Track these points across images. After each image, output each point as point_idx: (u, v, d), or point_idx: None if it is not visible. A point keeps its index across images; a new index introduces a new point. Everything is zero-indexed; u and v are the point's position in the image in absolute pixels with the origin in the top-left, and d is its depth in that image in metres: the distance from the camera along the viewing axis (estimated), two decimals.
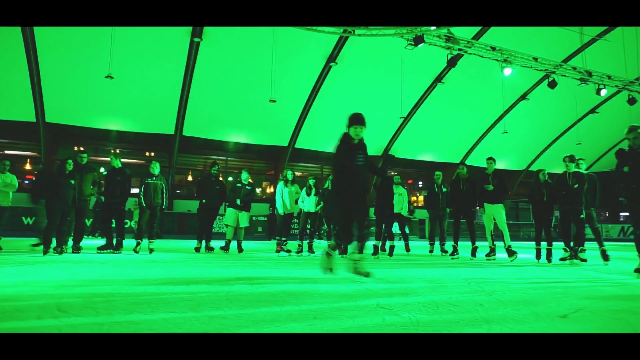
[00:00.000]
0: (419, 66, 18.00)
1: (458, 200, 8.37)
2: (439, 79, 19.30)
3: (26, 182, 17.36)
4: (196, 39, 15.44)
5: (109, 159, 8.38)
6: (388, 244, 8.55)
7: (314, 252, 8.76)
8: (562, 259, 7.40)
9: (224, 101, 17.91)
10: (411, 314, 2.65)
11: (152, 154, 20.25)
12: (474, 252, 8.18)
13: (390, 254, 8.48)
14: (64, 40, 14.96)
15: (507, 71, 15.05)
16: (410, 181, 24.76)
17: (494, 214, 7.95)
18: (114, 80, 14.78)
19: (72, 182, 7.06)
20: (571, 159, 7.34)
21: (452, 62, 15.57)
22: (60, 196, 6.89)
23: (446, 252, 9.12)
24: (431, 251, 9.45)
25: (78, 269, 5.01)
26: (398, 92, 18.67)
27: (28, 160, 18.43)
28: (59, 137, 17.67)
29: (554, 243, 7.71)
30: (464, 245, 8.83)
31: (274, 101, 16.07)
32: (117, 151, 19.00)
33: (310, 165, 22.05)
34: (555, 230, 9.22)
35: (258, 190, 21.89)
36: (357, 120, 4.55)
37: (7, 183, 7.23)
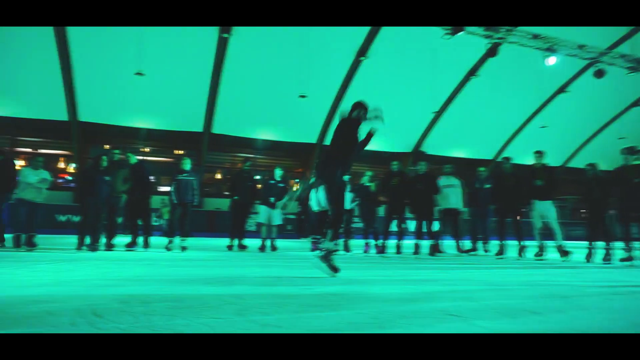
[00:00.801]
0: (452, 59, 17.37)
1: (503, 197, 7.86)
2: (472, 72, 18.62)
3: (59, 180, 17.65)
4: (225, 35, 15.28)
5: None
6: (426, 242, 8.09)
7: (350, 251, 8.42)
8: (623, 260, 6.81)
9: (252, 97, 17.74)
10: (487, 322, 2.28)
11: (181, 152, 20.29)
12: (521, 251, 7.67)
13: (432, 252, 8.03)
14: (94, 39, 15.04)
15: (551, 60, 14.28)
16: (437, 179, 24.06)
17: (544, 211, 7.42)
18: (143, 77, 14.76)
19: (107, 178, 6.93)
20: (631, 150, 6.75)
21: (491, 52, 14.84)
22: (95, 193, 6.76)
23: (489, 252, 8.63)
24: (474, 250, 8.94)
25: (112, 267, 4.81)
26: (430, 86, 18.09)
27: (62, 158, 18.73)
28: (91, 135, 17.83)
29: (601, 243, 7.12)
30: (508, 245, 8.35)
31: (304, 97, 15.77)
32: (142, 148, 19.10)
33: None
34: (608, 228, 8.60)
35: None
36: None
37: (41, 179, 7.15)
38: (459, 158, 22.54)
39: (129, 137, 18.56)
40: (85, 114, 17.08)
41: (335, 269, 4.15)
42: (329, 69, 17.39)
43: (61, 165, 18.70)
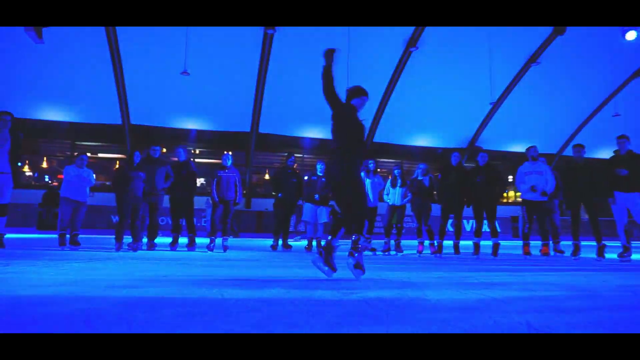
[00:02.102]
0: (509, 44, 16.18)
1: (576, 191, 6.89)
2: (533, 58, 17.25)
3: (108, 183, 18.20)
4: (269, 31, 15.04)
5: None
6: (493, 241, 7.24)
7: (402, 252, 7.76)
8: None
9: (298, 95, 17.40)
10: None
11: (230, 152, 20.30)
12: (601, 251, 6.68)
13: (494, 252, 7.19)
14: (143, 44, 15.33)
15: (631, 35, 12.75)
16: (499, 174, 22.61)
17: (629, 204, 6.41)
18: (190, 79, 14.83)
19: (142, 174, 6.73)
20: None
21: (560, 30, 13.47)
22: (130, 190, 6.57)
23: (562, 252, 7.65)
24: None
25: (141, 266, 4.49)
26: (486, 77, 16.97)
27: (117, 162, 19.30)
28: (142, 138, 18.19)
29: None
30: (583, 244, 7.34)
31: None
32: (197, 151, 19.29)
33: (389, 160, 20.90)
34: None
35: None
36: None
37: (84, 178, 7.07)
38: (519, 153, 21.06)
39: (178, 139, 18.82)
40: (137, 117, 17.48)
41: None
42: (377, 62, 16.72)
43: (117, 166, 19.28)
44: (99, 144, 18.77)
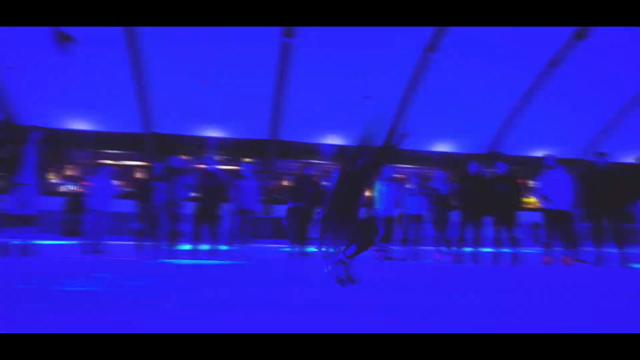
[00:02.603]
0: (529, 48, 15.95)
1: (600, 198, 6.75)
2: (553, 61, 16.94)
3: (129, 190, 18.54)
4: (288, 40, 15.18)
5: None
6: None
7: (419, 260, 7.72)
8: None
9: (318, 101, 17.46)
10: None
11: (250, 160, 20.52)
12: (625, 261, 6.52)
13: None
14: (164, 53, 15.59)
15: None
16: (520, 181, 22.22)
17: None
18: (210, 87, 15.04)
19: (163, 184, 6.88)
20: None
21: (580, 33, 13.15)
22: (151, 199, 6.72)
23: (584, 261, 7.49)
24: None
25: (161, 275, 4.58)
26: (505, 80, 16.76)
27: (138, 170, 19.68)
28: (164, 146, 18.52)
29: None
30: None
31: (370, 97, 15.18)
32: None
33: (405, 166, 20.77)
34: None
35: None
36: None
37: (108, 187, 7.26)
38: (539, 158, 20.65)
39: (200, 147, 19.08)
40: (158, 126, 17.79)
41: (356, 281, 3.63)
42: (395, 66, 16.67)
43: (138, 176, 19.65)
44: (121, 152, 19.18)
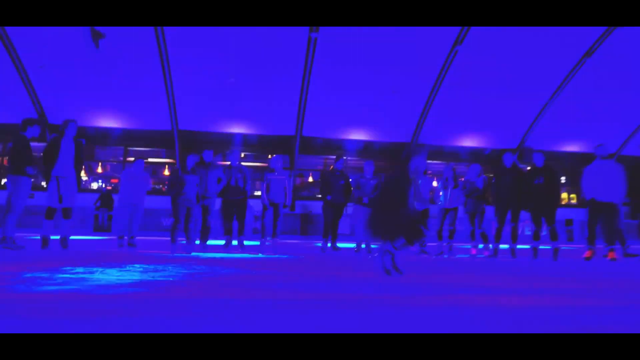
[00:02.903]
0: (562, 38, 15.45)
1: None
2: (588, 53, 16.38)
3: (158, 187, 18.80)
4: (312, 34, 15.09)
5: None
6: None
7: (455, 255, 7.53)
8: None
9: (342, 97, 17.35)
10: None
11: (278, 156, 20.51)
12: None
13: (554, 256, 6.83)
14: (191, 51, 15.74)
15: None
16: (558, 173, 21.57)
17: None
18: (235, 83, 15.13)
19: (195, 177, 6.89)
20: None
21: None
22: (184, 193, 6.73)
23: (634, 255, 7.16)
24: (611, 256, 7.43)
25: (197, 267, 4.55)
26: (537, 72, 16.30)
27: (167, 166, 19.96)
28: (191, 143, 18.70)
29: None
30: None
31: (396, 92, 14.98)
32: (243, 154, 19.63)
33: (434, 162, 20.46)
34: None
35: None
36: None
37: (141, 181, 7.31)
38: (573, 153, 20.09)
39: (225, 143, 19.22)
40: (185, 123, 17.99)
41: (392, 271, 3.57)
42: (422, 61, 16.39)
43: (167, 173, 19.92)
44: (149, 149, 19.47)
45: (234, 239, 7.97)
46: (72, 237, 6.86)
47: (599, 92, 17.72)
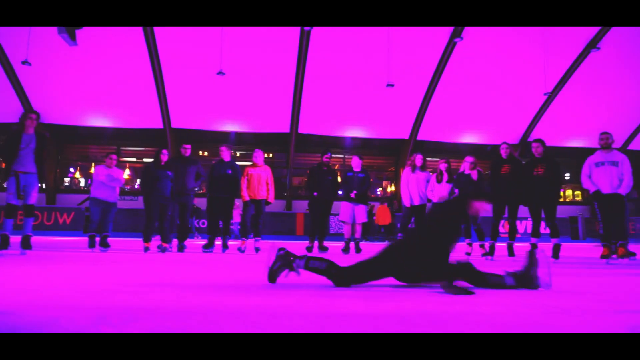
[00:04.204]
0: (565, 29, 14.93)
1: None
2: (592, 43, 15.84)
3: None
4: (306, 28, 14.64)
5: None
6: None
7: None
8: None
9: (338, 94, 16.91)
10: None
11: (271, 155, 20.18)
12: None
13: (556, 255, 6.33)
14: (181, 48, 15.38)
15: None
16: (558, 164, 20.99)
17: None
18: (228, 81, 14.75)
19: (170, 173, 6.46)
20: None
21: None
22: (157, 189, 6.30)
23: (633, 254, 6.65)
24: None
25: (157, 269, 4.11)
26: (539, 65, 15.78)
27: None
28: (184, 141, 18.25)
29: None
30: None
31: (392, 85, 14.49)
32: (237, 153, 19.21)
33: (434, 159, 19.96)
34: None
35: (378, 190, 20.48)
36: None
37: (114, 178, 6.89)
38: (576, 148, 19.52)
39: (219, 141, 18.80)
40: (178, 121, 17.60)
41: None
42: (419, 54, 15.92)
43: (144, 167, 19.53)
44: (142, 148, 19.11)
45: (217, 238, 7.52)
46: (61, 238, 6.44)
47: (605, 85, 17.17)
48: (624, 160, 6.07)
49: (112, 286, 2.82)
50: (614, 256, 6.04)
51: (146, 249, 6.40)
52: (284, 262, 2.83)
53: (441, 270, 2.76)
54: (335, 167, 17.86)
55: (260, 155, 7.24)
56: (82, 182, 19.45)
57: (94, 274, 3.58)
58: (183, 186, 7.02)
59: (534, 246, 6.20)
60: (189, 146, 7.34)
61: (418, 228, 3.13)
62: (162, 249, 6.43)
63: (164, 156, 6.61)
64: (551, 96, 17.22)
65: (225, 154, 7.15)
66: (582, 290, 2.99)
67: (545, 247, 6.34)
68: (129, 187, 18.58)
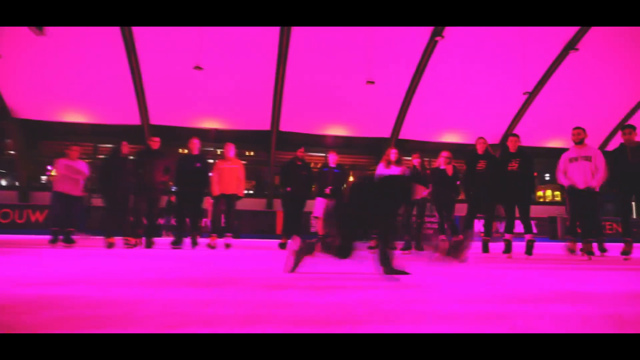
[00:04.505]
0: (544, 30, 15.03)
1: (629, 180, 5.89)
2: (571, 44, 15.98)
3: None
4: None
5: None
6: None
7: (422, 250, 6.95)
8: None
9: (320, 91, 16.76)
10: None
11: (252, 153, 19.94)
12: None
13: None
14: (160, 44, 15.09)
15: None
16: (535, 174, 21.18)
17: None
18: (209, 77, 14.53)
19: (131, 166, 6.24)
20: None
21: None
22: (119, 181, 6.07)
23: (606, 250, 6.63)
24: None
25: (115, 263, 3.91)
26: (518, 66, 15.87)
27: None
28: (163, 138, 17.92)
29: None
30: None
31: (372, 82, 14.39)
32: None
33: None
34: None
35: None
36: None
37: (77, 170, 6.62)
38: (557, 149, 19.69)
39: (199, 138, 18.44)
40: (157, 117, 17.26)
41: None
42: (401, 52, 15.87)
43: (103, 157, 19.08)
44: (143, 147, 18.68)
45: (186, 234, 7.29)
46: (30, 236, 6.15)
47: (583, 86, 17.34)
48: (597, 155, 6.04)
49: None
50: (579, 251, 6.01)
51: (110, 245, 6.15)
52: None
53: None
54: (311, 165, 17.73)
55: (231, 149, 7.05)
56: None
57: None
58: (151, 180, 6.79)
59: (507, 243, 6.12)
60: (157, 139, 7.13)
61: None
62: (128, 245, 6.20)
63: (125, 147, 6.38)
64: (531, 96, 17.32)
65: (195, 146, 6.95)
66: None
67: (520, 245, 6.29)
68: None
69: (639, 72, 17.15)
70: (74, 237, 6.70)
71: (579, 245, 6.24)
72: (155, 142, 7.06)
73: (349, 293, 2.20)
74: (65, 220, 6.60)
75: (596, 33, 15.39)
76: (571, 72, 16.77)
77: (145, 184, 6.70)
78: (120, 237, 6.28)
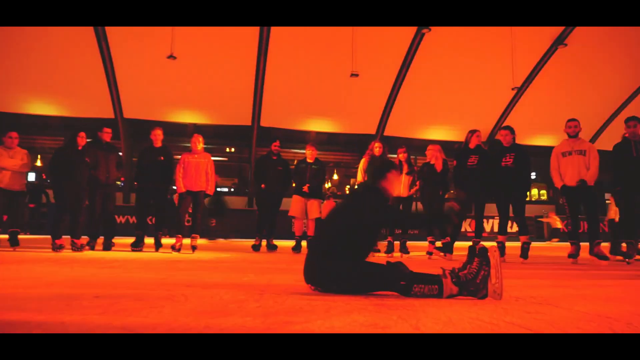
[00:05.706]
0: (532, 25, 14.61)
1: (631, 177, 5.39)
2: (560, 40, 15.62)
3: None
4: None
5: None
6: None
7: (408, 252, 6.38)
8: None
9: (302, 86, 16.14)
10: None
11: (233, 149, 19.23)
12: None
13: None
14: (134, 35, 14.30)
15: None
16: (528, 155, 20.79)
17: None
18: (187, 70, 13.85)
19: (83, 160, 5.54)
20: None
21: None
22: (73, 177, 5.36)
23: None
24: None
25: (50, 268, 3.23)
26: (507, 61, 15.42)
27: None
28: (137, 132, 17.14)
29: None
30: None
31: (357, 75, 13.76)
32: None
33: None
34: None
35: (346, 189, 19.82)
36: None
37: (19, 162, 5.86)
38: (544, 147, 19.34)
39: (177, 134, 17.65)
40: (131, 111, 16.42)
41: None
42: (386, 46, 15.33)
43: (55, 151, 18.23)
44: (92, 140, 17.79)
45: (147, 234, 6.59)
46: None
47: (573, 81, 17.02)
48: (590, 149, 5.57)
49: None
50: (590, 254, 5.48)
51: (58, 247, 5.42)
52: None
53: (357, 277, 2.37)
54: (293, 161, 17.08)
55: (198, 141, 6.38)
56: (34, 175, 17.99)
57: None
58: (107, 175, 6.10)
59: (500, 244, 5.58)
60: (109, 130, 6.45)
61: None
62: (75, 247, 5.48)
63: (82, 139, 5.69)
64: (519, 92, 16.93)
65: (158, 137, 6.28)
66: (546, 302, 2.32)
67: (514, 247, 5.74)
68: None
69: (629, 68, 16.89)
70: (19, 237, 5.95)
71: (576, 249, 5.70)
72: (107, 134, 6.36)
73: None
74: (9, 219, 5.85)
75: (585, 29, 15.03)
76: (560, 68, 16.42)
77: (101, 179, 6.00)
78: (70, 238, 5.57)
